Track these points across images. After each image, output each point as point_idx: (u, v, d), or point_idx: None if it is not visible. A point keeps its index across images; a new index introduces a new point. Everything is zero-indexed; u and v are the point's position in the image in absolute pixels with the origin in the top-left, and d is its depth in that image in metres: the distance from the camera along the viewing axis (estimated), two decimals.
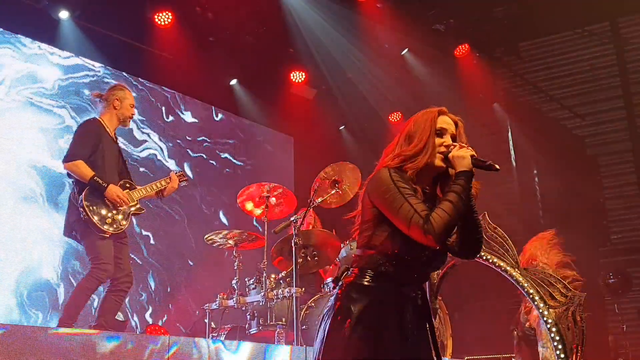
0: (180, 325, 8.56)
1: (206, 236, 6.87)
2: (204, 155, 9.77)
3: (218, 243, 6.89)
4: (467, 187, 2.67)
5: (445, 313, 7.22)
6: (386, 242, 2.72)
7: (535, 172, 10.09)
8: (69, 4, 8.09)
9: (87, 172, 5.08)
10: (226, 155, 10.10)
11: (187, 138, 9.58)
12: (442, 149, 2.76)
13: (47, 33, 8.06)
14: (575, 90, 9.94)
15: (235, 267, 6.71)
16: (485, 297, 8.61)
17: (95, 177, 5.06)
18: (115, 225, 5.08)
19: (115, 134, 5.51)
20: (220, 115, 10.19)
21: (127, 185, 5.32)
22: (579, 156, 9.69)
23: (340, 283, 2.82)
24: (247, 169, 10.24)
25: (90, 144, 5.23)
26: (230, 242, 6.78)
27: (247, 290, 6.66)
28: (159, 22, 8.68)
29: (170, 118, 9.42)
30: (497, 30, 9.66)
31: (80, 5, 8.12)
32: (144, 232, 8.70)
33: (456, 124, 2.90)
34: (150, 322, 8.31)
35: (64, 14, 8.11)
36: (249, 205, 6.79)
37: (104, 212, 5.06)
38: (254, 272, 6.88)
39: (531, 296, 3.18)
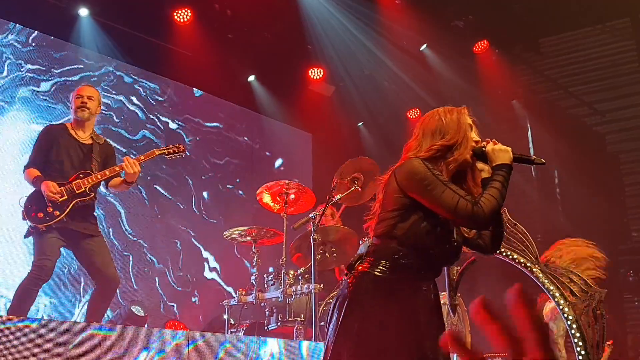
0: (198, 320, 8.60)
1: (225, 232, 6.89)
2: (222, 152, 9.81)
3: (237, 239, 6.91)
4: (508, 179, 2.77)
5: (464, 309, 7.21)
6: (409, 232, 2.71)
7: (555, 169, 10.02)
8: (88, 2, 8.16)
9: (31, 175, 5.08)
10: (244, 151, 10.13)
11: (205, 134, 9.63)
12: (472, 143, 2.83)
13: (67, 30, 8.13)
14: (595, 86, 9.87)
15: (254, 263, 6.73)
16: (505, 293, 8.57)
17: (34, 179, 5.04)
18: (47, 218, 4.94)
19: (92, 133, 5.42)
20: (238, 112, 10.23)
21: (81, 175, 5.15)
22: (599, 153, 9.62)
23: (352, 271, 2.79)
24: (265, 166, 10.26)
25: (41, 151, 5.24)
26: (249, 238, 6.80)
27: (265, 286, 6.69)
28: (178, 19, 8.72)
29: (187, 114, 9.47)
30: (516, 27, 9.60)
31: (100, 3, 8.18)
32: (162, 228, 8.76)
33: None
34: (170, 318, 8.36)
35: (83, 11, 8.18)
36: (267, 199, 6.79)
37: (37, 208, 4.97)
38: (272, 268, 6.89)
39: (551, 292, 3.16)
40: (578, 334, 3.09)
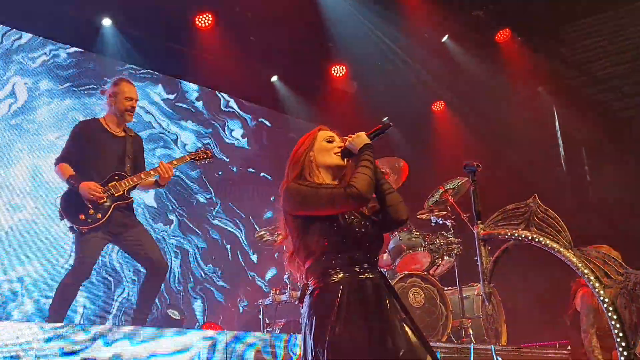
0: (234, 321, 8.67)
1: (256, 233, 6.95)
2: (247, 152, 9.87)
3: (268, 239, 6.96)
4: (372, 155, 3.04)
5: (498, 299, 7.18)
6: (320, 240, 2.91)
7: (584, 154, 9.93)
8: (111, 12, 8.26)
9: (65, 173, 5.08)
10: (269, 151, 10.16)
11: (230, 135, 9.70)
12: (337, 149, 3.12)
13: (91, 40, 8.25)
14: (620, 69, 9.73)
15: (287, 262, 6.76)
16: (541, 281, 8.52)
17: (69, 178, 5.04)
18: (90, 220, 4.97)
19: (124, 128, 5.43)
20: (262, 113, 10.28)
21: (116, 177, 5.17)
22: (627, 137, 9.50)
23: (306, 300, 2.96)
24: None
25: (77, 146, 5.24)
26: (280, 237, 6.83)
27: (299, 284, 6.72)
28: (200, 24, 8.80)
29: (211, 117, 9.55)
30: (538, 13, 9.51)
31: (122, 12, 8.27)
32: (195, 229, 8.85)
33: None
34: (205, 320, 8.44)
35: (106, 22, 8.29)
36: None
37: (78, 209, 4.99)
38: None
39: (586, 276, 3.15)
40: (615, 317, 3.08)
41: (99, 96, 7.77)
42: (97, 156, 5.21)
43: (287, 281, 6.71)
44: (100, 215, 5.02)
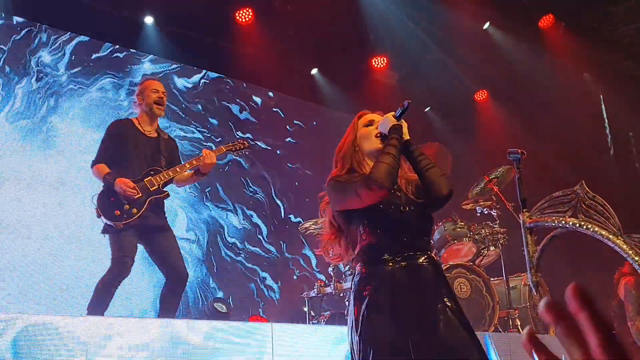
0: (280, 314, 8.71)
1: (300, 225, 6.96)
2: (293, 147, 9.89)
3: (312, 232, 6.96)
4: (399, 138, 3.00)
5: (546, 289, 7.07)
6: (362, 229, 2.93)
7: (632, 140, 9.73)
8: (153, 10, 8.37)
9: (102, 172, 5.04)
10: (311, 145, 10.17)
11: (269, 130, 9.75)
12: (376, 131, 3.12)
13: (133, 39, 8.38)
14: None
15: (331, 255, 6.77)
16: (590, 270, 8.37)
17: (106, 176, 5.00)
18: (125, 215, 4.92)
19: (157, 128, 5.39)
20: (302, 106, 10.29)
21: (152, 172, 5.13)
22: None
23: (352, 287, 2.97)
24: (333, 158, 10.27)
25: (111, 146, 5.20)
26: (325, 230, 6.84)
27: (343, 276, 6.72)
28: (240, 20, 8.85)
29: (253, 113, 9.60)
30: None
31: (164, 10, 8.37)
32: (241, 222, 8.91)
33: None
34: (251, 313, 8.49)
35: (148, 20, 8.40)
36: None
37: (114, 206, 4.93)
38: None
39: (637, 263, 3.08)
40: None
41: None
42: (131, 154, 5.18)
43: (331, 273, 6.71)
44: (136, 210, 4.98)
